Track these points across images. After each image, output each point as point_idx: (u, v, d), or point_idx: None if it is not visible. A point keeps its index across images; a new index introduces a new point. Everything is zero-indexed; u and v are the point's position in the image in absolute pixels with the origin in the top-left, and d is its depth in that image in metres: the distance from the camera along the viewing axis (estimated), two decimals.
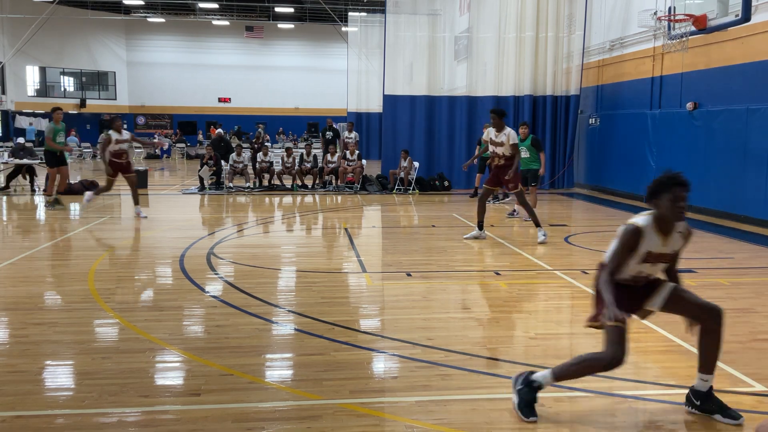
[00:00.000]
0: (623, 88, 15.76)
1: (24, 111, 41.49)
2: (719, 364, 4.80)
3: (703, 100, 12.39)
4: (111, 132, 12.27)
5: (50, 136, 13.52)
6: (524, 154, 11.88)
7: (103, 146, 12.50)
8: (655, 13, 12.83)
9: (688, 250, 9.78)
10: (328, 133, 23.10)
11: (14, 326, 5.81)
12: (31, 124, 38.11)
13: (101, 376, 4.57)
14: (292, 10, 42.20)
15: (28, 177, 17.03)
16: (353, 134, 21.55)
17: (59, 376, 4.76)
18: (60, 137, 13.72)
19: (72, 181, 17.25)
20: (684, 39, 11.68)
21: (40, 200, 15.38)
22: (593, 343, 5.50)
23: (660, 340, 5.48)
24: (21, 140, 21.83)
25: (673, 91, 13.55)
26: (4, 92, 40.52)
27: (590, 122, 16.87)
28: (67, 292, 7.02)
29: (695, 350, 5.09)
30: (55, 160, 13.76)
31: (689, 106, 12.51)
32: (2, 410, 4.04)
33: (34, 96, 44.40)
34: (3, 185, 17.09)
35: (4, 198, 15.72)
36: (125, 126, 13.45)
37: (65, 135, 14.23)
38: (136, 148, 30.02)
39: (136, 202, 12.39)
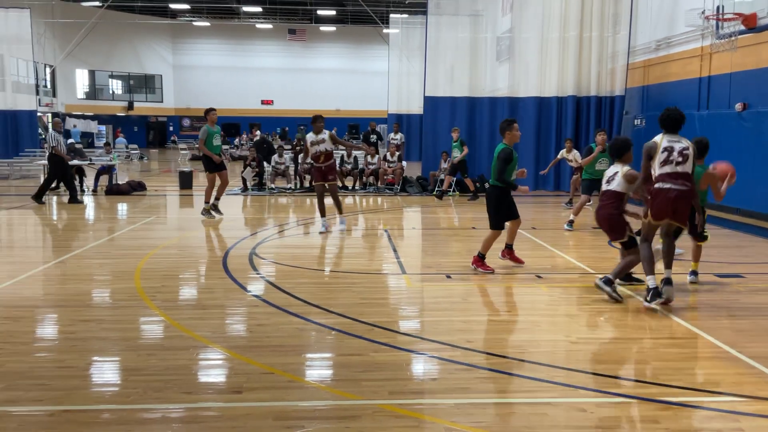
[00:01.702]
0: (670, 89, 15.43)
1: (74, 113, 42.66)
2: (756, 365, 4.69)
3: (753, 100, 12.06)
4: (309, 135, 10.99)
5: (203, 138, 12.40)
6: (602, 165, 11.39)
7: (304, 151, 11.34)
8: (702, 12, 12.55)
9: (735, 254, 9.57)
10: (372, 136, 22.89)
11: (63, 323, 5.97)
12: (75, 126, 39.01)
13: (146, 373, 4.67)
14: (333, 12, 42.52)
15: (77, 177, 17.45)
16: (398, 135, 21.43)
17: (105, 372, 4.88)
18: (216, 140, 12.44)
19: (120, 182, 17.69)
20: (733, 38, 11.40)
21: (88, 200, 15.77)
22: (635, 347, 5.41)
23: (707, 346, 5.36)
24: (71, 141, 22.43)
25: (721, 92, 13.21)
26: (55, 95, 41.75)
27: (636, 123, 16.55)
28: (114, 290, 7.19)
29: (743, 357, 4.98)
30: (213, 164, 12.55)
31: (738, 107, 12.18)
32: (50, 404, 4.16)
33: (83, 98, 45.65)
34: (53, 185, 17.55)
35: (54, 198, 16.16)
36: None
37: (221, 138, 12.85)
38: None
39: (340, 211, 11.30)
